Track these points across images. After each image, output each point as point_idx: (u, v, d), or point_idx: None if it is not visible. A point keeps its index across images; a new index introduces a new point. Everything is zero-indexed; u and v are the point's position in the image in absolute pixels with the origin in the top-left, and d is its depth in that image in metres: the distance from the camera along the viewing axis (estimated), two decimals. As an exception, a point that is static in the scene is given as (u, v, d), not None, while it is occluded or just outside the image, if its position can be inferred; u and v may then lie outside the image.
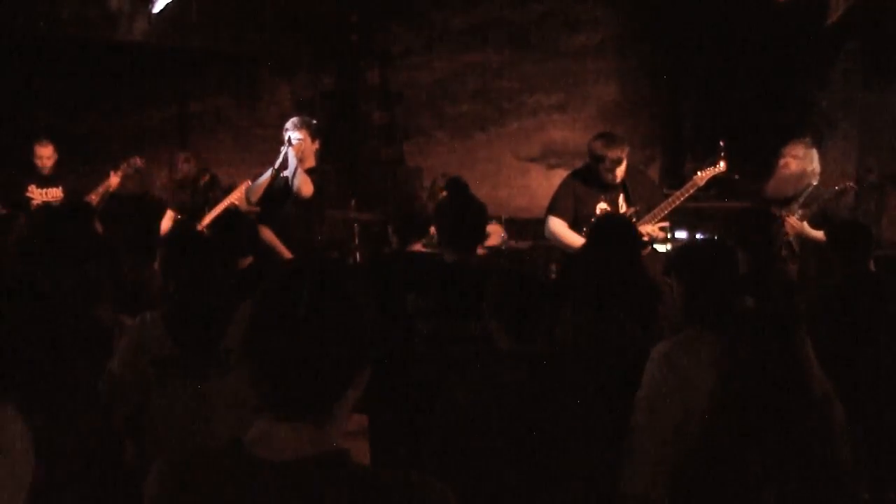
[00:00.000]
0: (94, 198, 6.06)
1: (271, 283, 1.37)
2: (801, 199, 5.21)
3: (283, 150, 5.30)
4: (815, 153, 5.37)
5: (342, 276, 1.38)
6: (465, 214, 3.47)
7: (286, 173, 5.29)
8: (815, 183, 5.31)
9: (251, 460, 1.31)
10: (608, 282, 3.15)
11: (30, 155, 6.25)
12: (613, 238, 3.44)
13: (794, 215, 5.13)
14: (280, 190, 5.32)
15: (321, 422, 1.33)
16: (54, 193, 6.22)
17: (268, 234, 5.00)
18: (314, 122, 5.50)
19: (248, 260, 3.97)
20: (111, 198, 6.24)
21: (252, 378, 1.34)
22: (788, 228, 5.10)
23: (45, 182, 6.24)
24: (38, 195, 6.17)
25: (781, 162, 5.31)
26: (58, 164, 6.34)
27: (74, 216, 3.78)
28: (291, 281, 1.34)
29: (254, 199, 5.43)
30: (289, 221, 5.30)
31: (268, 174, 5.32)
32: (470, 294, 2.94)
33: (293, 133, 5.31)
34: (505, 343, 2.53)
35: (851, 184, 5.21)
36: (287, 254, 5.05)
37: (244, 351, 1.37)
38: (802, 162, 5.27)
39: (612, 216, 4.57)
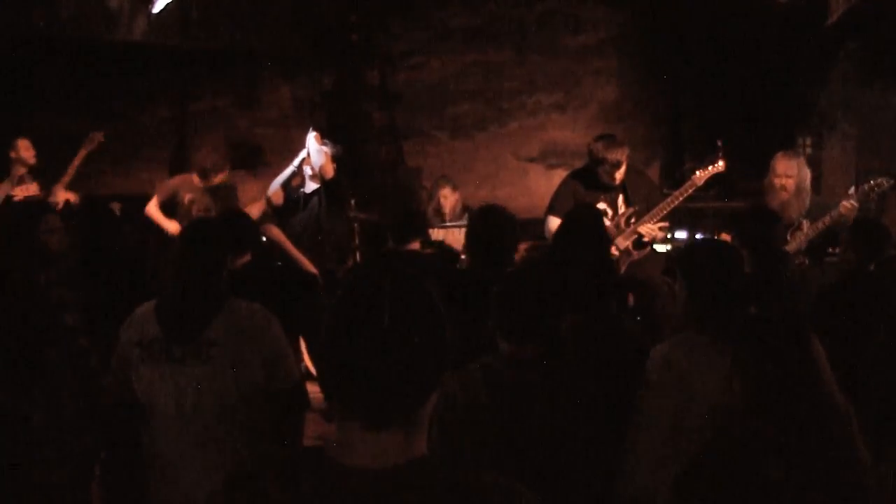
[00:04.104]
0: (66, 179, 6.11)
1: (348, 290, 1.33)
2: (804, 217, 5.01)
3: (305, 149, 5.62)
4: (803, 161, 5.18)
5: (419, 278, 1.35)
6: (497, 240, 3.50)
7: (308, 169, 5.56)
8: (808, 188, 5.14)
9: (339, 469, 1.28)
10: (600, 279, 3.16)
11: (14, 148, 6.31)
12: (583, 231, 3.46)
13: (803, 234, 4.95)
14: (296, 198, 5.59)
15: (408, 428, 1.30)
16: (32, 188, 6.26)
17: (275, 231, 5.08)
18: (337, 150, 5.88)
19: (246, 258, 3.99)
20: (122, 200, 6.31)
21: (335, 388, 1.31)
22: (844, 211, 4.83)
23: (22, 179, 6.30)
24: (20, 192, 6.20)
25: (777, 183, 5.04)
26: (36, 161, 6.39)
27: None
28: (370, 287, 1.31)
29: (272, 192, 5.68)
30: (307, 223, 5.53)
31: (288, 171, 5.57)
32: (473, 298, 2.94)
33: (324, 147, 5.68)
34: (505, 346, 2.53)
35: (854, 203, 4.96)
36: (294, 252, 5.11)
37: (321, 359, 1.34)
38: (797, 177, 5.04)
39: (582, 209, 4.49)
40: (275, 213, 6.03)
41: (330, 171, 5.67)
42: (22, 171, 6.26)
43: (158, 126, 8.45)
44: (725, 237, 5.04)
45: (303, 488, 1.29)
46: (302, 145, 6.02)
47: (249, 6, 8.17)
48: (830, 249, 4.97)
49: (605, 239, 3.84)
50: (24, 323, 2.80)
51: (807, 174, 5.14)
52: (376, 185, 8.51)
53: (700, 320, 2.67)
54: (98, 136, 6.28)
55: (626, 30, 8.60)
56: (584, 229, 3.49)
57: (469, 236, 3.71)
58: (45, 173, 6.43)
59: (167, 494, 2.79)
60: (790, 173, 5.05)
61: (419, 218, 3.98)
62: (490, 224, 3.58)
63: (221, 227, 3.40)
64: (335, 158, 5.81)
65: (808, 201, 5.08)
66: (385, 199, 7.93)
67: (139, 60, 7.82)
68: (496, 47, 8.72)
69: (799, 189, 5.06)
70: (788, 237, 4.99)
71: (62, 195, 6.00)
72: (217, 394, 2.75)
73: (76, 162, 6.20)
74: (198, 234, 2.96)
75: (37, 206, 5.27)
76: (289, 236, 5.49)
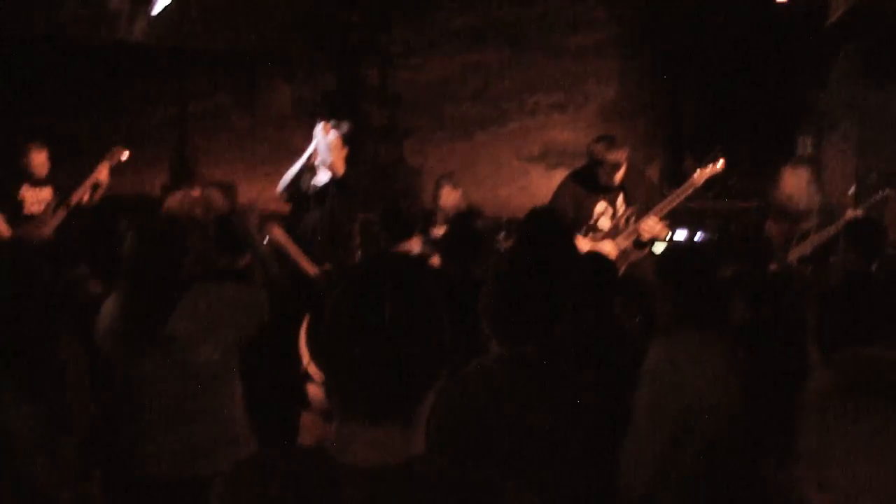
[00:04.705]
0: (82, 193, 6.06)
1: (348, 286, 1.34)
2: (812, 222, 4.99)
3: (314, 142, 5.47)
4: (811, 172, 5.19)
5: (419, 275, 1.37)
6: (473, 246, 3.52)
7: (317, 162, 5.50)
8: (816, 194, 5.12)
9: (339, 467, 1.29)
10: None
11: (26, 155, 6.24)
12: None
13: (807, 242, 4.90)
14: (305, 191, 5.53)
15: (407, 425, 1.31)
16: (46, 194, 6.21)
17: (278, 233, 5.04)
18: (347, 128, 5.65)
19: (246, 258, 3.98)
20: (106, 198, 6.24)
21: (334, 384, 1.32)
22: (850, 220, 4.75)
23: (37, 182, 6.22)
24: (31, 196, 6.16)
25: (788, 205, 5.08)
26: (50, 166, 6.33)
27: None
28: (370, 283, 1.32)
29: (280, 189, 5.66)
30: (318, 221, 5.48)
31: (297, 166, 5.51)
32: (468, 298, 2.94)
33: (333, 136, 5.48)
34: (496, 346, 2.52)
35: (859, 213, 4.95)
36: (297, 253, 5.09)
37: (322, 357, 1.34)
38: (807, 191, 5.05)
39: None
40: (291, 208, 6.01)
41: (340, 167, 5.45)
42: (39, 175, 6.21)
43: (158, 126, 8.46)
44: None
45: (303, 486, 1.30)
46: (302, 145, 6.00)
47: (249, 6, 8.17)
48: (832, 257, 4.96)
49: (565, 242, 3.85)
50: (26, 321, 2.81)
51: (816, 187, 5.13)
52: (376, 185, 8.51)
53: (689, 320, 2.68)
54: (120, 152, 6.18)
55: (626, 30, 8.60)
56: (542, 232, 3.53)
57: (444, 243, 3.74)
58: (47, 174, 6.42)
59: (150, 467, 2.94)
60: (801, 185, 5.05)
61: (411, 218, 3.98)
62: (465, 231, 3.62)
63: (177, 224, 3.45)
64: (346, 140, 5.62)
65: (817, 202, 5.08)
66: (383, 199, 7.94)
67: (139, 60, 7.83)
68: (496, 47, 8.72)
69: (810, 200, 5.05)
70: (795, 243, 4.98)
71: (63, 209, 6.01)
72: (183, 381, 2.89)
73: (94, 176, 6.11)
74: (151, 232, 3.03)
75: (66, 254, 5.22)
76: (301, 233, 5.43)
